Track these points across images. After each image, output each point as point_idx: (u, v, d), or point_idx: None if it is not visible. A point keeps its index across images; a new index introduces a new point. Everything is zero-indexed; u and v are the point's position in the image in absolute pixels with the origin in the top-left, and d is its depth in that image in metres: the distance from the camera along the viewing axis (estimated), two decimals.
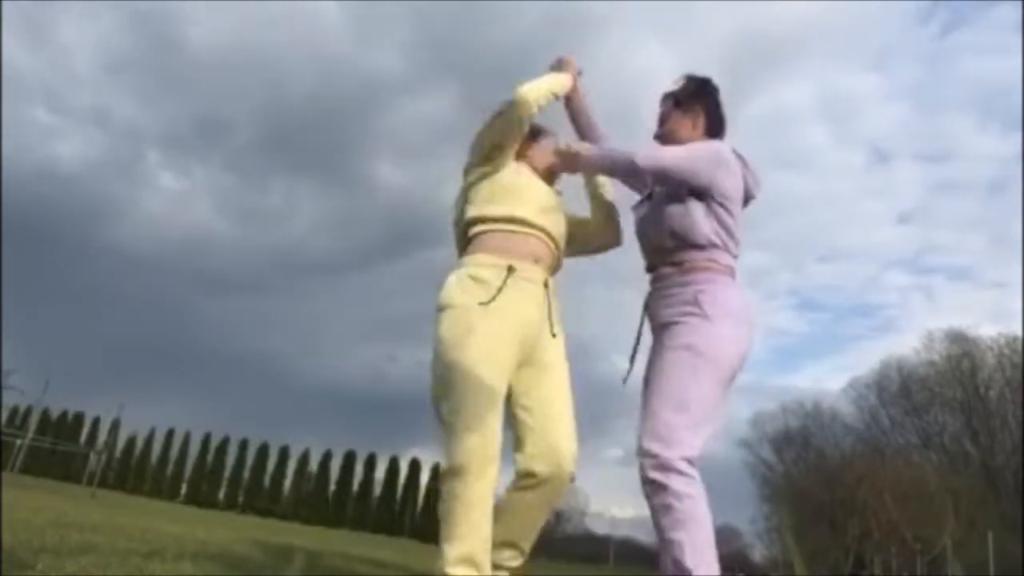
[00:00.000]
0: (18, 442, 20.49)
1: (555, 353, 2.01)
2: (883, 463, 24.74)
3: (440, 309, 1.93)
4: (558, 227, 2.13)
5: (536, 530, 1.97)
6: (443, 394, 1.83)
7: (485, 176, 2.09)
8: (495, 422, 1.80)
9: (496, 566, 1.92)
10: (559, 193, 2.25)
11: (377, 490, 33.14)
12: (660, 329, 1.96)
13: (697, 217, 1.98)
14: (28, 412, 28.66)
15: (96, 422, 33.86)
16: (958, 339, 31.70)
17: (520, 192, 2.06)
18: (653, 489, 1.73)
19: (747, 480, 32.95)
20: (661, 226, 2.03)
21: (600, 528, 31.61)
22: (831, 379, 70.88)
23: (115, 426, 28.02)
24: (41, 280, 47.13)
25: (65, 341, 46.10)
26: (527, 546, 1.98)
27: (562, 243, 2.15)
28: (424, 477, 32.53)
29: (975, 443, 30.48)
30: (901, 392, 32.88)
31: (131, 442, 34.25)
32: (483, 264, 1.96)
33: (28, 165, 51.38)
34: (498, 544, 1.87)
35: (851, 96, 54.76)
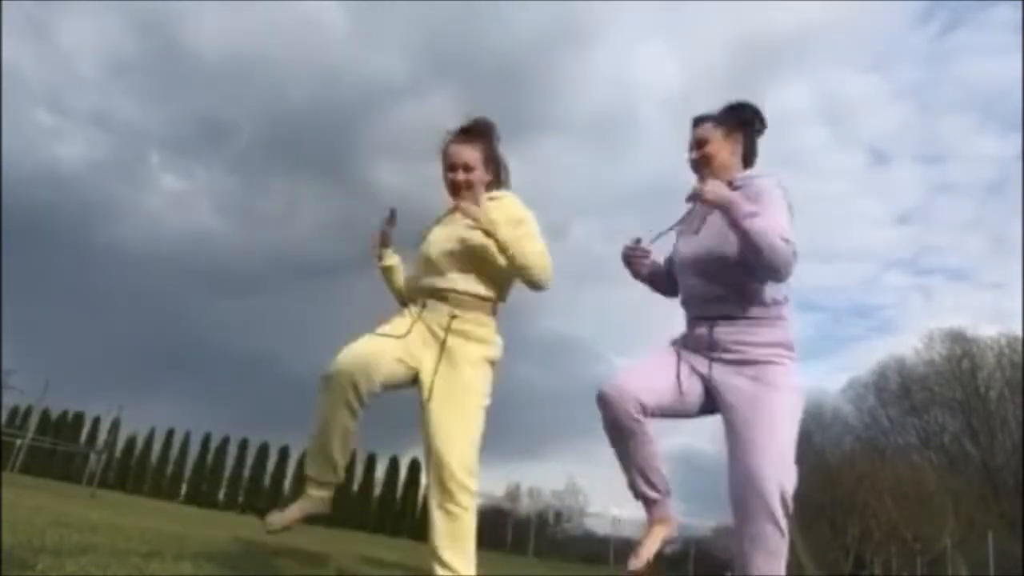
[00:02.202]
0: (18, 442, 20.45)
1: (446, 380, 2.20)
2: (883, 463, 24.72)
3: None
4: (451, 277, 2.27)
5: (449, 536, 2.11)
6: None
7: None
8: (369, 357, 2.13)
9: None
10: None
11: (377, 490, 33.12)
12: (746, 364, 2.03)
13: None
14: (28, 412, 28.60)
15: (96, 422, 33.82)
16: (958, 339, 31.70)
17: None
18: (781, 526, 1.88)
19: None
20: (741, 263, 2.07)
21: (600, 528, 31.56)
22: (831, 379, 70.80)
23: (115, 426, 27.95)
24: (41, 280, 47.07)
25: (65, 341, 46.04)
26: (452, 558, 2.09)
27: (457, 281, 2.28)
28: (424, 477, 32.42)
29: (975, 443, 30.47)
30: (901, 392, 32.86)
31: (131, 442, 34.21)
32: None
33: (30, 166, 51.31)
34: (431, 562, 2.09)
35: (850, 97, 54.65)
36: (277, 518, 2.21)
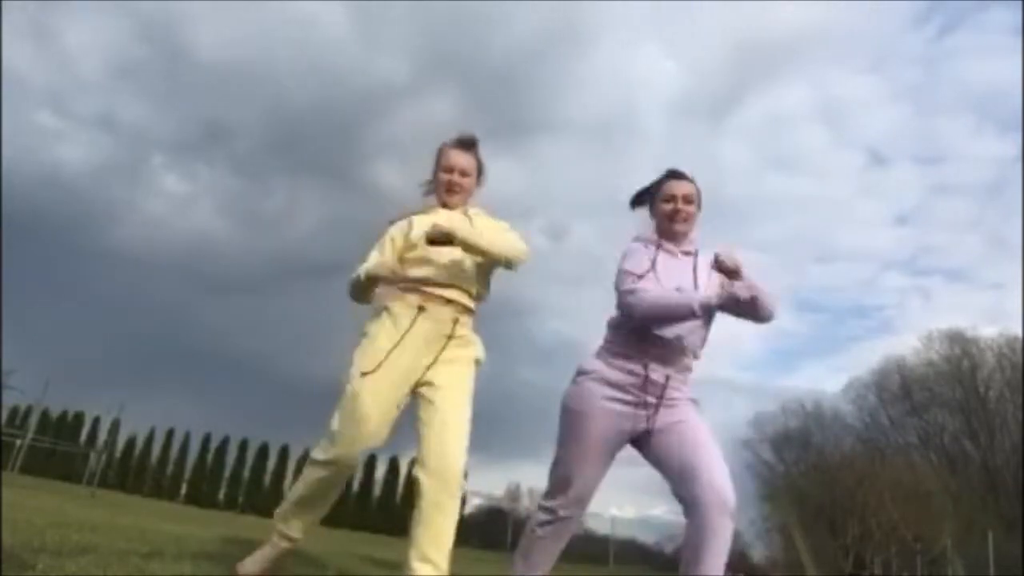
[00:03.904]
0: (18, 442, 20.47)
1: (446, 376, 2.30)
2: (883, 463, 24.71)
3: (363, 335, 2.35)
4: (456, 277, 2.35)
5: (441, 536, 2.17)
6: (341, 399, 2.24)
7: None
8: (366, 432, 2.20)
9: None
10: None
11: (377, 490, 33.13)
12: (665, 405, 2.26)
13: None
14: (28, 412, 28.61)
15: (96, 422, 33.81)
16: (958, 339, 31.71)
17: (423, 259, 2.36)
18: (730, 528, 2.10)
19: (747, 480, 32.96)
20: (706, 334, 2.36)
21: (600, 528, 31.60)
22: (830, 379, 70.85)
23: (115, 426, 28.02)
24: (42, 280, 47.11)
25: (65, 341, 46.04)
26: (437, 555, 2.15)
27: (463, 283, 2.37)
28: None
29: (975, 443, 30.47)
30: (901, 392, 32.86)
31: (131, 442, 34.18)
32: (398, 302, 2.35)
33: (32, 168, 51.32)
34: (411, 556, 2.14)
35: (849, 98, 54.61)
36: (251, 568, 2.30)
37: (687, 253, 2.43)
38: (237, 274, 55.67)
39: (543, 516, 2.35)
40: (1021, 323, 36.62)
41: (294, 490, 2.32)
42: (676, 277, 2.33)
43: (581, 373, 2.34)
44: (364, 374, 2.23)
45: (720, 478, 2.12)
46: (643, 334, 2.27)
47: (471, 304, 2.39)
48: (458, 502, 2.23)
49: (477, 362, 2.39)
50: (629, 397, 2.25)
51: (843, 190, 54.71)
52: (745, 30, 52.60)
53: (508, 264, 2.37)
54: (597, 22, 55.53)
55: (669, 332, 2.25)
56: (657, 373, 2.25)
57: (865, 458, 26.02)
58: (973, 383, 30.67)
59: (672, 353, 2.27)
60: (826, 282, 55.29)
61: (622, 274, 2.33)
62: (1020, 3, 38.31)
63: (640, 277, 2.29)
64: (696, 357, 2.36)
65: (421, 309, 2.30)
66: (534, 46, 56.00)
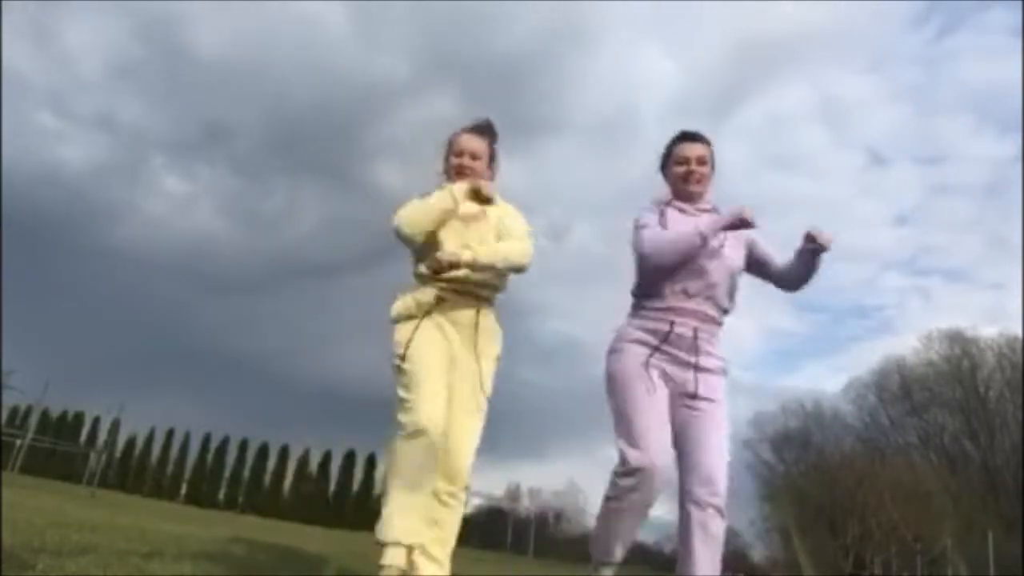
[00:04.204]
0: (18, 442, 20.47)
1: (472, 376, 2.31)
2: (883, 463, 24.72)
3: (394, 321, 2.35)
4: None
5: (446, 534, 2.20)
6: (399, 379, 2.22)
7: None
8: (437, 397, 2.17)
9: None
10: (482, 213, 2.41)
11: (377, 490, 33.13)
12: (703, 368, 2.23)
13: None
14: (28, 412, 28.59)
15: (96, 422, 33.88)
16: (957, 339, 31.71)
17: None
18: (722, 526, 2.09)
19: (747, 480, 32.94)
20: (731, 285, 2.31)
21: None
22: (830, 379, 70.91)
23: (115, 426, 28.03)
24: (42, 280, 47.13)
25: (65, 341, 46.02)
26: (440, 554, 2.18)
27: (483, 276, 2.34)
28: None
29: (975, 443, 30.47)
30: (901, 392, 32.86)
31: (131, 442, 34.28)
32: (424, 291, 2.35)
33: (32, 167, 51.37)
34: (414, 555, 2.12)
35: (849, 98, 54.66)
36: None
37: (704, 211, 2.40)
38: (237, 274, 55.73)
39: (620, 484, 2.16)
40: (1021, 323, 36.64)
41: (391, 486, 2.14)
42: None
43: (616, 340, 2.34)
44: (411, 342, 2.24)
45: (716, 473, 2.11)
46: (663, 290, 2.26)
47: (489, 296, 2.39)
48: (463, 502, 2.23)
49: (497, 359, 2.39)
50: (660, 353, 2.23)
51: (843, 190, 54.85)
52: (745, 30, 52.66)
53: (517, 272, 2.37)
54: (598, 22, 55.59)
55: (693, 286, 2.24)
56: (684, 327, 2.23)
57: (865, 458, 26.02)
58: (973, 383, 30.66)
59: (696, 305, 2.25)
60: (826, 282, 55.21)
61: (638, 224, 2.33)
62: (1020, 3, 38.34)
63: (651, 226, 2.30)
64: (725, 311, 2.32)
65: (441, 300, 2.30)
66: (535, 46, 56.05)
